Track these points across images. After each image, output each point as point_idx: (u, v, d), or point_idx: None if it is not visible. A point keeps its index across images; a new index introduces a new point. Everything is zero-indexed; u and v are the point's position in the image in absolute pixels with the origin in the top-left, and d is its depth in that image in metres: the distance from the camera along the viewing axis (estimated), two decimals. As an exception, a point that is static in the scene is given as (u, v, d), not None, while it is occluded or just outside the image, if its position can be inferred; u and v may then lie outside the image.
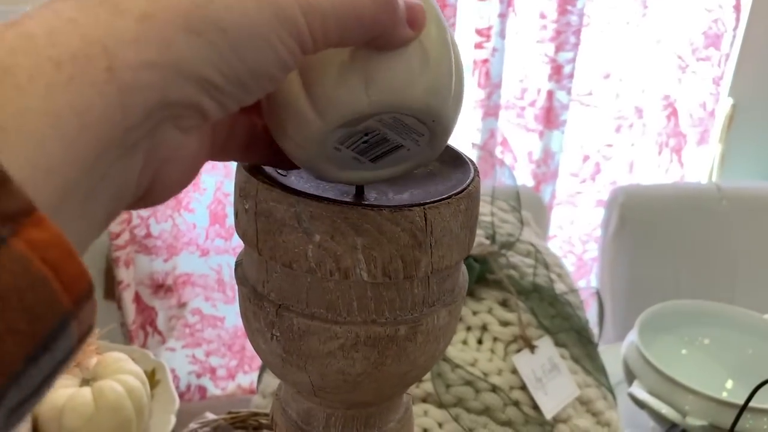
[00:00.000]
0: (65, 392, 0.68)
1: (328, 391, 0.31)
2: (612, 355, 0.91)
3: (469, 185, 0.29)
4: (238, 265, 0.32)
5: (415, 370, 0.31)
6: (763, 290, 1.27)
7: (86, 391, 0.68)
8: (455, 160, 0.32)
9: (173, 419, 0.73)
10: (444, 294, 0.30)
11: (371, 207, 0.27)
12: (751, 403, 0.71)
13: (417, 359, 0.30)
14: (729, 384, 0.88)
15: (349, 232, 0.27)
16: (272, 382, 0.68)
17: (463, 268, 0.33)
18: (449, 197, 0.28)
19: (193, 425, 0.57)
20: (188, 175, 0.25)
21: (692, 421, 0.75)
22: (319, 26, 0.22)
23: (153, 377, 0.78)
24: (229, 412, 0.57)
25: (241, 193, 0.29)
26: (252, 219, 0.28)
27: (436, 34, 0.25)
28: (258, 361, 1.74)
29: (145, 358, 0.81)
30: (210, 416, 0.58)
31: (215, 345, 1.70)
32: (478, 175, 0.30)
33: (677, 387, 0.77)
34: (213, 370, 1.71)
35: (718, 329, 0.91)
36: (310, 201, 0.27)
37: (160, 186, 0.23)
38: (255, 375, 1.73)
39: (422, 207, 0.27)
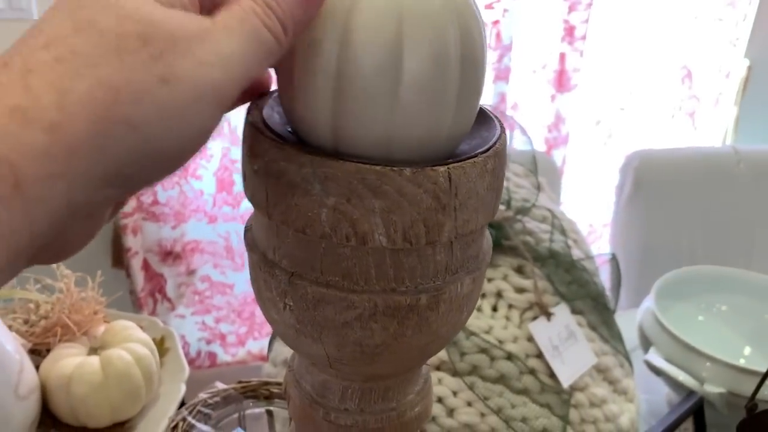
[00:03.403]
0: (73, 361, 0.67)
1: (345, 363, 0.29)
2: (625, 322, 0.90)
3: (495, 143, 0.27)
4: (248, 230, 0.31)
5: (436, 341, 0.29)
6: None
7: (94, 360, 0.67)
8: (480, 116, 0.29)
9: (183, 387, 0.72)
10: (468, 261, 0.28)
11: (391, 167, 0.24)
12: (771, 371, 0.70)
13: (439, 329, 0.29)
14: (747, 351, 0.87)
15: (366, 195, 0.25)
16: (283, 350, 0.67)
17: (487, 233, 0.31)
18: (475, 155, 0.26)
19: (202, 395, 0.56)
20: (93, 232, 0.25)
21: (710, 388, 0.74)
22: (238, 88, 0.23)
23: (162, 345, 0.77)
24: (240, 382, 0.56)
25: (249, 152, 0.27)
26: (262, 180, 0.26)
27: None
28: (268, 328, 1.73)
29: (154, 326, 0.79)
30: (220, 386, 0.56)
31: (225, 312, 1.69)
32: (504, 133, 0.28)
33: (695, 354, 0.76)
34: (223, 337, 1.71)
35: (735, 295, 0.89)
36: (324, 160, 0.25)
37: (60, 245, 0.24)
38: (265, 342, 1.73)
39: (446, 166, 0.25)
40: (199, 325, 1.71)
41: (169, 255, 1.63)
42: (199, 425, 0.51)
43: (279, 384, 0.56)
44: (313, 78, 0.25)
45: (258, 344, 1.74)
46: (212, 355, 1.74)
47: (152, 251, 1.61)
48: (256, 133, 0.27)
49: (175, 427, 0.52)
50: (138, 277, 1.58)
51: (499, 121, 0.29)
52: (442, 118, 0.25)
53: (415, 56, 0.24)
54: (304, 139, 0.27)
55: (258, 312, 1.71)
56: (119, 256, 1.61)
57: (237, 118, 1.55)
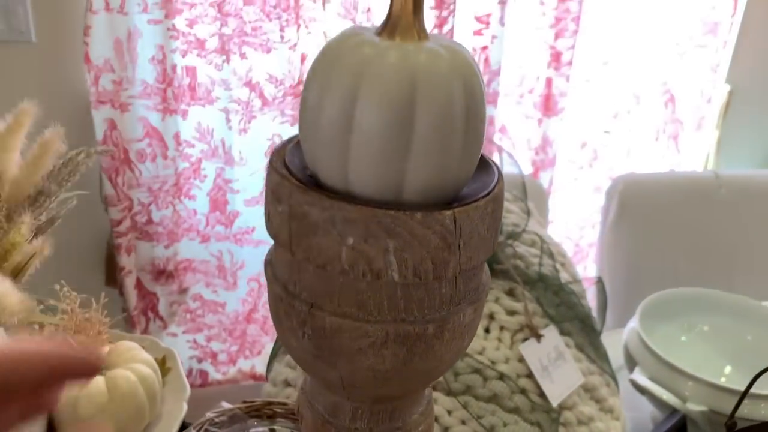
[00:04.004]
0: (79, 381, 0.69)
1: (358, 386, 0.32)
2: (612, 341, 0.93)
3: (494, 188, 0.30)
4: (268, 264, 0.33)
5: (441, 366, 0.32)
6: (761, 277, 1.29)
7: (100, 380, 0.69)
8: (480, 162, 0.32)
9: (185, 406, 0.74)
10: (469, 293, 0.31)
11: (403, 211, 0.27)
12: (749, 390, 0.73)
13: (444, 356, 0.31)
14: (727, 370, 0.90)
15: (381, 235, 0.27)
16: (283, 370, 0.69)
17: (486, 267, 0.34)
18: (477, 200, 0.29)
19: (210, 414, 0.58)
20: None
21: (692, 406, 0.77)
22: None
23: (164, 365, 0.79)
24: (244, 401, 0.58)
25: (273, 195, 0.30)
26: (285, 221, 0.29)
27: None
28: (259, 347, 1.75)
29: (156, 346, 0.82)
30: (226, 405, 0.59)
31: (216, 330, 1.71)
32: (502, 178, 0.31)
33: (678, 373, 0.79)
34: (214, 355, 1.72)
35: (717, 316, 0.93)
36: (344, 205, 0.28)
37: None
38: (256, 360, 1.74)
39: (452, 210, 0.28)
40: (191, 344, 1.73)
41: (162, 274, 1.65)
42: (207, 443, 0.53)
43: (282, 404, 0.58)
44: (330, 131, 0.28)
45: (249, 363, 1.76)
46: (204, 374, 1.75)
47: (145, 270, 1.62)
48: (280, 178, 0.30)
49: (184, 445, 0.54)
50: (131, 295, 1.60)
51: (497, 167, 0.32)
52: (449, 166, 0.28)
53: (427, 114, 0.27)
54: (321, 181, 0.30)
55: (249, 331, 1.73)
56: (112, 275, 1.62)
57: (231, 138, 1.57)
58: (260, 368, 1.75)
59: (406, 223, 0.27)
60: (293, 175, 0.30)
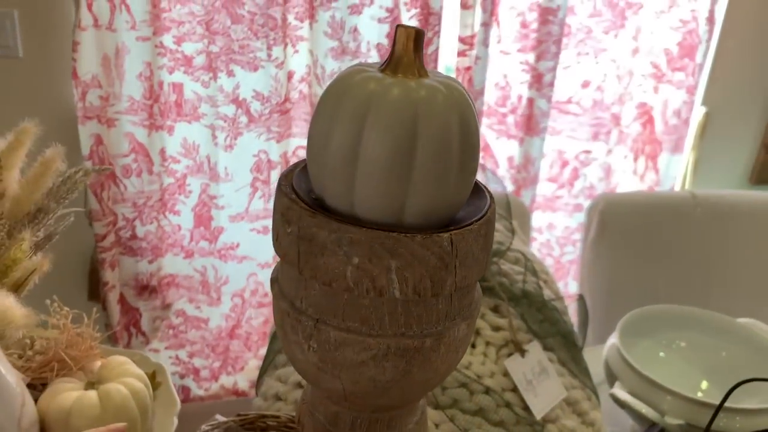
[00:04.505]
0: (72, 395, 0.70)
1: (359, 396, 0.34)
2: (592, 357, 0.95)
3: (486, 212, 0.33)
4: (274, 281, 0.35)
5: (436, 378, 0.34)
6: (736, 294, 1.33)
7: (92, 394, 0.70)
8: (474, 189, 0.35)
9: (175, 421, 0.75)
10: (463, 309, 0.34)
11: (405, 233, 0.30)
12: (725, 404, 0.76)
13: (439, 368, 0.33)
14: (704, 385, 0.93)
15: (384, 256, 0.30)
16: (273, 384, 0.71)
17: (478, 286, 0.36)
18: (471, 223, 0.31)
19: (204, 427, 0.59)
20: None
21: (670, 420, 0.79)
22: None
23: (153, 379, 0.80)
24: (238, 415, 0.59)
25: (283, 218, 0.32)
26: (294, 242, 0.31)
27: None
28: (242, 363, 1.76)
29: (146, 362, 0.82)
30: (220, 418, 0.60)
31: (199, 346, 1.71)
32: (493, 202, 0.34)
33: (656, 388, 0.82)
34: (196, 371, 1.72)
35: (694, 333, 0.96)
36: (350, 227, 0.30)
37: None
38: (238, 376, 1.75)
39: (449, 233, 0.30)
40: (173, 360, 1.73)
41: (145, 289, 1.65)
42: (202, 455, 0.54)
43: (275, 417, 0.60)
44: (337, 158, 0.30)
45: (231, 379, 1.76)
46: (185, 390, 1.75)
47: (128, 285, 1.63)
48: (290, 202, 0.32)
49: (180, 457, 0.55)
50: (114, 310, 1.60)
51: (489, 192, 0.34)
52: (446, 192, 0.31)
53: (427, 144, 0.29)
54: (328, 204, 0.32)
55: (232, 347, 1.74)
56: (95, 290, 1.63)
57: (217, 154, 1.59)
58: (242, 384, 1.76)
59: (408, 245, 0.30)
60: (301, 199, 0.32)
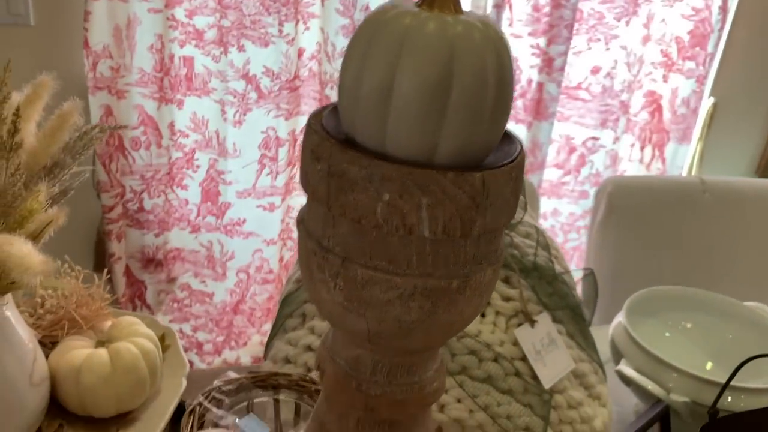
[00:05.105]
0: (82, 352, 0.70)
1: (383, 337, 0.34)
2: (597, 337, 0.95)
3: (517, 156, 0.33)
4: (300, 222, 0.35)
5: (460, 322, 0.34)
6: (742, 279, 1.33)
7: (103, 352, 0.71)
8: (504, 136, 0.35)
9: (184, 382, 0.75)
10: (490, 254, 0.34)
11: (436, 170, 0.30)
12: (731, 382, 0.76)
13: (464, 311, 0.34)
14: (709, 365, 0.93)
15: (416, 192, 0.30)
16: (283, 348, 0.71)
17: (503, 235, 0.36)
18: (503, 165, 0.31)
19: (217, 383, 0.60)
20: None
21: (676, 397, 0.80)
22: None
23: (162, 342, 0.80)
24: (250, 372, 0.60)
25: (313, 155, 0.32)
26: (324, 178, 0.31)
27: None
28: (245, 338, 1.76)
29: (155, 325, 0.83)
30: (232, 375, 0.61)
31: (203, 320, 1.72)
32: (523, 149, 0.34)
33: (662, 365, 0.82)
34: (200, 345, 1.73)
35: (700, 315, 0.96)
36: (382, 163, 0.30)
37: None
38: (241, 351, 1.75)
39: (481, 173, 0.30)
40: (177, 333, 1.73)
41: (151, 262, 1.65)
42: (214, 410, 0.55)
43: (287, 375, 0.60)
44: (370, 94, 0.30)
45: (234, 354, 1.77)
46: (188, 363, 1.75)
47: (134, 258, 1.63)
48: (320, 138, 0.32)
49: (192, 411, 0.56)
50: (120, 282, 1.60)
51: (519, 140, 0.35)
52: (479, 131, 0.31)
53: (462, 80, 0.29)
54: (357, 142, 0.32)
55: (236, 322, 1.74)
56: (101, 261, 1.63)
57: (226, 130, 1.59)
58: (245, 359, 1.76)
59: (440, 182, 0.30)
60: (332, 137, 0.32)
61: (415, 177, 0.30)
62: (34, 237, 0.57)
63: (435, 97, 0.29)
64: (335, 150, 0.31)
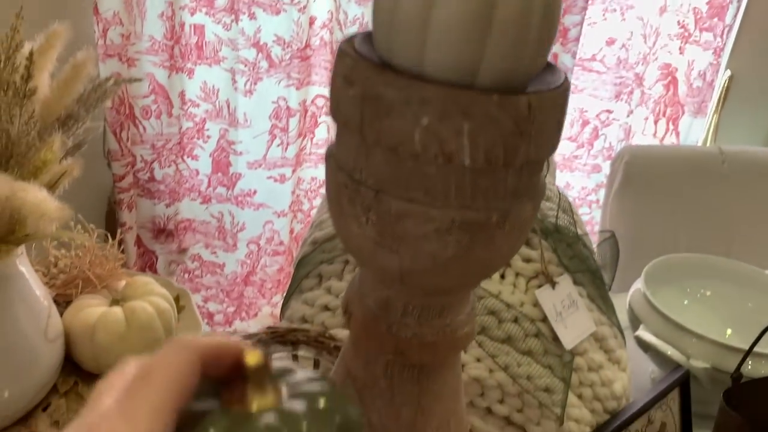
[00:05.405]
0: (97, 311, 0.70)
1: (416, 275, 0.33)
2: (615, 306, 0.94)
3: (563, 82, 0.31)
4: (330, 157, 0.34)
5: (497, 259, 0.33)
6: (760, 249, 1.31)
7: (117, 310, 0.70)
8: (546, 66, 0.33)
9: (199, 342, 0.74)
10: (530, 189, 0.32)
11: (480, 91, 0.28)
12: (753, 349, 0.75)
13: (502, 247, 0.32)
14: (728, 332, 0.92)
15: (457, 116, 0.28)
16: (300, 308, 0.70)
17: (542, 173, 0.35)
18: (551, 90, 0.30)
19: (235, 337, 0.59)
20: None
21: (696, 363, 0.78)
22: None
23: (177, 303, 0.80)
24: (269, 327, 0.59)
25: (345, 80, 0.31)
26: (357, 104, 0.30)
27: None
28: (256, 309, 1.76)
29: (169, 286, 0.82)
30: (253, 329, 0.60)
31: (214, 291, 1.71)
32: (568, 79, 0.32)
33: (682, 331, 0.81)
34: (210, 316, 1.73)
35: (720, 282, 0.95)
36: (422, 84, 0.28)
37: None
38: (251, 322, 1.75)
39: (527, 96, 0.29)
40: (188, 302, 1.73)
41: (162, 232, 1.65)
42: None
43: (305, 331, 0.59)
44: (410, 11, 0.28)
45: (244, 325, 1.76)
46: (198, 335, 1.75)
47: (145, 228, 1.62)
48: (354, 61, 0.30)
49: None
50: (131, 252, 1.60)
51: (562, 70, 0.33)
52: (524, 53, 0.29)
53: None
54: (394, 65, 0.30)
55: (247, 293, 1.74)
56: (112, 231, 1.62)
57: (236, 99, 1.57)
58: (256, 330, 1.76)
59: (483, 105, 0.28)
60: (367, 59, 0.30)
61: (456, 99, 0.28)
62: (49, 188, 0.56)
63: (480, 13, 0.28)
64: (370, 72, 0.29)
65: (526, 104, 0.29)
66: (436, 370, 0.37)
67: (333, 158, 0.34)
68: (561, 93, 0.30)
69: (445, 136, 0.29)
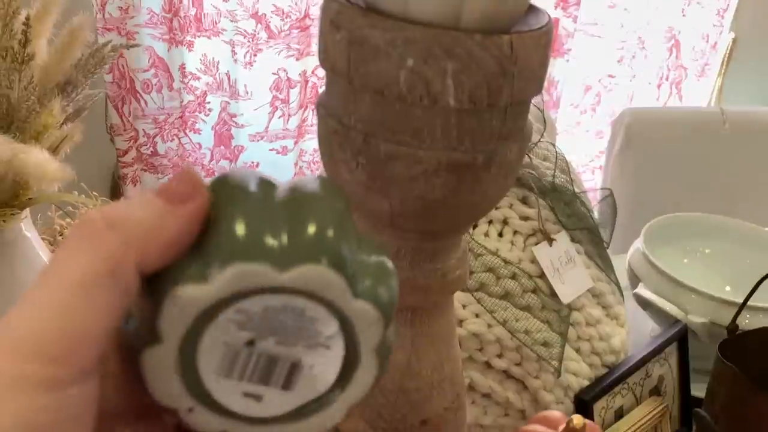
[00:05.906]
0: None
1: (406, 218, 0.33)
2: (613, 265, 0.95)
3: (546, 24, 0.32)
4: (320, 105, 0.35)
5: (484, 203, 0.34)
6: (761, 209, 1.31)
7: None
8: (530, 9, 0.34)
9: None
10: (516, 131, 0.33)
11: (463, 32, 0.29)
12: (749, 302, 0.75)
13: (488, 190, 0.33)
14: (727, 289, 0.93)
15: (441, 56, 0.29)
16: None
17: (530, 119, 0.35)
18: (532, 30, 0.30)
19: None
20: None
21: (694, 318, 0.79)
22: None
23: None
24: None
25: (332, 25, 0.31)
26: (344, 48, 0.30)
27: None
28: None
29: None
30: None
31: (219, 264, 1.73)
32: (551, 21, 0.33)
33: (680, 287, 0.82)
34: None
35: (719, 241, 0.95)
36: (406, 25, 0.29)
37: None
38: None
39: (510, 36, 0.29)
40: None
41: (166, 206, 1.66)
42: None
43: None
44: None
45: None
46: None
47: (150, 202, 1.64)
48: (340, 5, 0.31)
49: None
50: (135, 226, 1.61)
51: (546, 12, 0.33)
52: None
53: None
54: (380, 9, 0.30)
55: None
56: (116, 206, 1.64)
57: (236, 71, 1.57)
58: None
59: (466, 44, 0.29)
60: (354, 3, 0.31)
61: (440, 39, 0.29)
62: (50, 152, 0.57)
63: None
64: (356, 15, 0.30)
65: (509, 43, 0.29)
66: (429, 313, 0.38)
67: (323, 106, 0.34)
68: (544, 33, 0.31)
69: (429, 77, 0.29)
